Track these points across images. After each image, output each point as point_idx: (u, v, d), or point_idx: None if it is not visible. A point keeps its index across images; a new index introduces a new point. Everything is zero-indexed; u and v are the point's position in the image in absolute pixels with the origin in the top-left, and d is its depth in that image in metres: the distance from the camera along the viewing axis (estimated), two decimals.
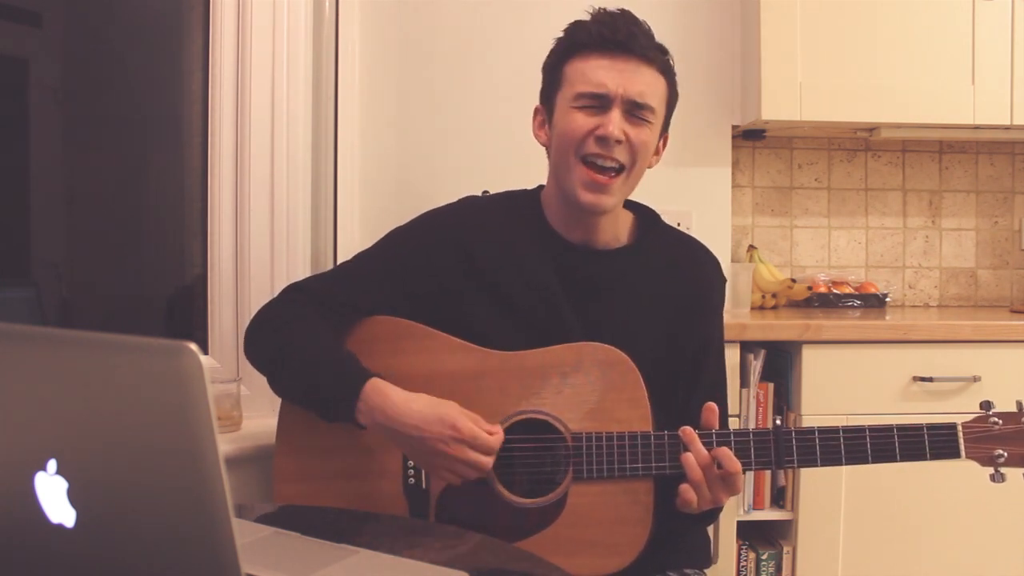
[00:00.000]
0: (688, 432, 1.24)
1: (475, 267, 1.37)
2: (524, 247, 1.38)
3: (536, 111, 1.41)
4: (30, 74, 2.22)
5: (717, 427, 1.26)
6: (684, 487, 1.23)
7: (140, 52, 2.25)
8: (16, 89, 2.21)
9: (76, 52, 2.31)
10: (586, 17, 1.35)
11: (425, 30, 2.27)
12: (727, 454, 1.22)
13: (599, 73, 1.29)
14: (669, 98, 1.36)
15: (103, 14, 2.30)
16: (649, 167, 1.37)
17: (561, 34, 1.37)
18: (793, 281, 2.34)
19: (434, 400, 1.26)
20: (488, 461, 1.24)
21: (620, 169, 1.31)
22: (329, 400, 1.29)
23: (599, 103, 1.29)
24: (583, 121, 1.30)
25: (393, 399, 1.25)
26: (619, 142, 1.28)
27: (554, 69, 1.36)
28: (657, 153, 1.38)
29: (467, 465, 1.23)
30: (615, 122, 1.28)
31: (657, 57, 1.32)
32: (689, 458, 1.23)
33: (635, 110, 1.30)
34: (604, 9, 1.35)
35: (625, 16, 1.33)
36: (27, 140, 2.23)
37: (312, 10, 2.06)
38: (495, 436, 1.24)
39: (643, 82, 1.30)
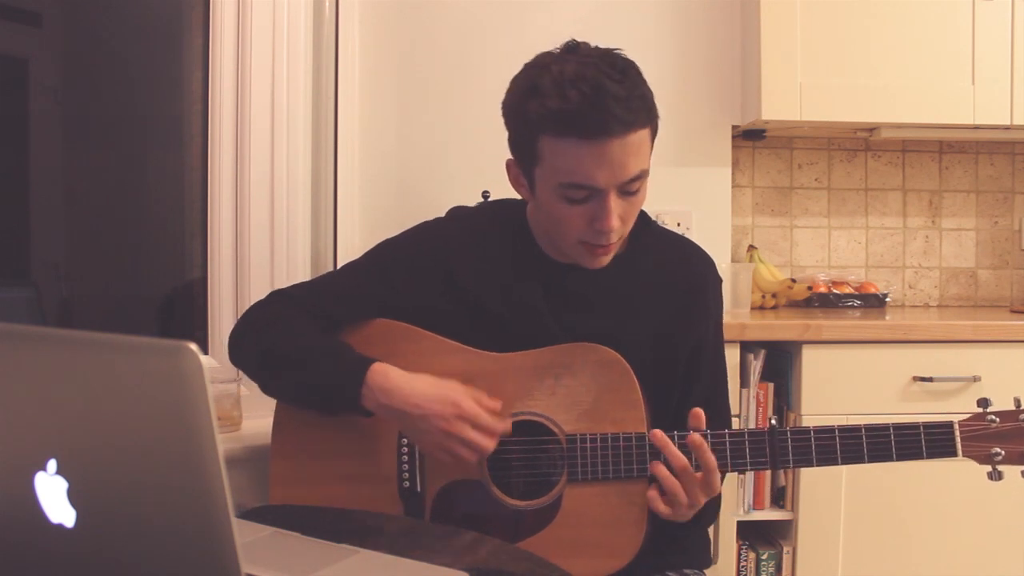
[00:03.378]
0: (659, 436, 1.20)
1: (457, 287, 1.34)
2: (509, 266, 1.35)
3: (508, 165, 1.29)
4: (30, 74, 2.22)
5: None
6: (652, 495, 1.21)
7: (140, 52, 2.25)
8: (16, 89, 2.21)
9: (76, 52, 2.31)
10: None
11: (425, 31, 2.27)
12: (699, 444, 1.18)
13: (585, 165, 1.16)
14: (654, 135, 1.23)
15: (103, 14, 2.30)
16: None
17: (522, 82, 1.20)
18: (793, 281, 2.34)
19: (438, 380, 1.24)
20: (490, 444, 1.21)
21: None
22: (333, 389, 1.27)
23: (590, 192, 1.19)
24: (575, 214, 1.21)
25: (395, 379, 1.23)
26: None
27: (525, 137, 1.21)
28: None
29: (466, 445, 1.21)
30: (613, 213, 1.19)
31: (638, 114, 1.16)
32: (660, 467, 1.20)
33: (630, 185, 1.20)
34: (566, 79, 1.14)
35: (596, 87, 1.13)
36: (27, 140, 2.23)
37: (312, 10, 2.06)
38: (500, 424, 1.23)
39: (632, 156, 1.17)
